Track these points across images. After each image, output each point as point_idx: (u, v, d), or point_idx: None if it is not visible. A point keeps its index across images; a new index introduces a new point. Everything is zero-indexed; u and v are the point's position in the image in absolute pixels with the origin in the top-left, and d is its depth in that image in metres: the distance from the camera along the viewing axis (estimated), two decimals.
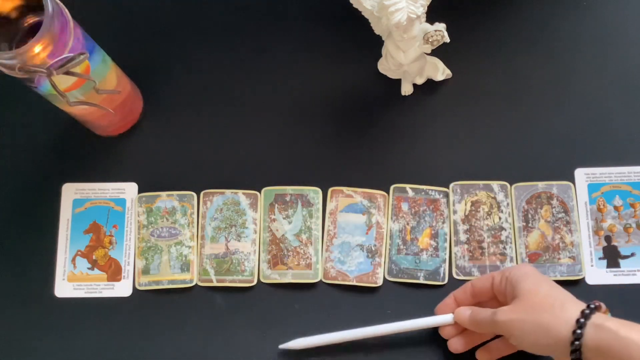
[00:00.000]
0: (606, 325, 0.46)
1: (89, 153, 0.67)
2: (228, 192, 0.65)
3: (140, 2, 0.71)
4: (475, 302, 0.57)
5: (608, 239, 0.63)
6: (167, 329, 0.62)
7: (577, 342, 0.47)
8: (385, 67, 0.65)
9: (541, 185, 0.64)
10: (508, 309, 0.51)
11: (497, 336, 0.57)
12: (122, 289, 0.63)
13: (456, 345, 0.57)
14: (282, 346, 0.60)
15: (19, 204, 0.65)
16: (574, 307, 0.49)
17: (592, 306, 0.49)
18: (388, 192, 0.64)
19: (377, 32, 0.61)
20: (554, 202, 0.63)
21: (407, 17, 0.54)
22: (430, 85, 0.67)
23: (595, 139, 0.65)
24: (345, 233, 0.64)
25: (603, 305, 0.50)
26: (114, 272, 0.64)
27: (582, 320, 0.47)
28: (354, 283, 0.62)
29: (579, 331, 0.47)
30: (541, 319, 0.49)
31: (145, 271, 0.63)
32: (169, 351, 0.62)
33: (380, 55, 0.64)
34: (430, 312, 0.61)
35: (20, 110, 0.67)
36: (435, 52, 0.61)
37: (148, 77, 0.68)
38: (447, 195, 0.64)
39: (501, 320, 0.51)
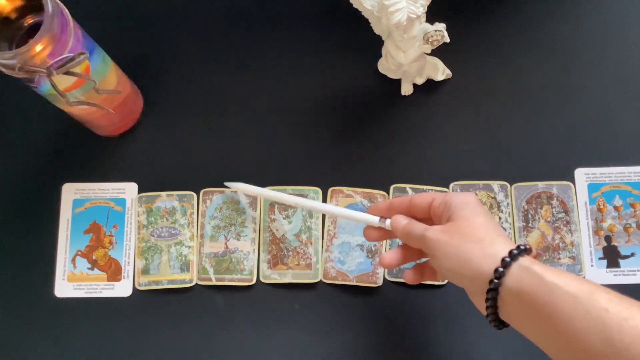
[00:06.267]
0: (532, 268, 0.43)
1: (89, 153, 0.67)
2: (228, 191, 0.65)
3: (140, 2, 0.71)
4: (410, 216, 0.54)
5: (608, 239, 0.63)
6: (167, 329, 0.62)
7: (496, 281, 0.43)
8: (385, 67, 0.65)
9: (541, 185, 0.64)
10: (439, 228, 0.48)
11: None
12: (122, 289, 0.63)
13: (387, 258, 0.54)
14: (226, 183, 0.63)
15: (19, 204, 0.65)
16: (504, 245, 0.45)
17: (522, 248, 0.45)
18: (388, 192, 0.64)
19: (377, 32, 0.61)
20: (554, 202, 0.63)
21: (407, 17, 0.54)
22: (430, 85, 0.67)
23: (595, 139, 0.65)
24: (345, 233, 0.64)
25: (534, 250, 0.47)
26: (114, 272, 0.64)
27: (507, 259, 0.44)
28: (354, 283, 0.63)
29: (501, 269, 0.43)
30: (466, 247, 0.46)
31: (145, 271, 0.63)
32: (169, 351, 0.62)
33: (380, 55, 0.64)
34: (431, 313, 0.61)
35: (20, 111, 0.67)
36: (435, 52, 0.61)
37: (148, 77, 0.68)
38: None
39: (429, 236, 0.48)
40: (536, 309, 0.42)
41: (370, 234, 0.56)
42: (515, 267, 0.43)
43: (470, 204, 0.49)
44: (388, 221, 0.54)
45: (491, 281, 0.44)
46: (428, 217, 0.53)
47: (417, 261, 0.55)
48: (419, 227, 0.51)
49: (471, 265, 0.45)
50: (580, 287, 0.41)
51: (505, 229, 0.63)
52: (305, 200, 0.60)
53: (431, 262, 0.50)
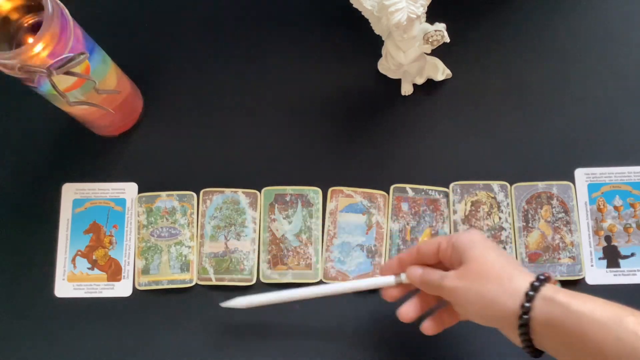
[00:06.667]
0: (557, 299, 0.43)
1: (89, 153, 0.67)
2: (228, 191, 0.65)
3: (140, 2, 0.71)
4: (422, 264, 0.54)
5: (608, 239, 0.63)
6: (167, 329, 0.62)
7: (525, 317, 0.44)
8: (385, 67, 0.65)
9: (541, 185, 0.64)
10: (454, 274, 0.49)
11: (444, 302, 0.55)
12: (122, 289, 0.63)
13: (406, 312, 0.54)
14: (223, 304, 0.58)
15: (19, 204, 0.65)
16: (523, 278, 0.46)
17: (542, 278, 0.45)
18: (388, 192, 0.64)
19: (377, 32, 0.61)
20: (554, 202, 0.63)
21: (407, 17, 0.54)
22: (430, 85, 0.67)
23: (595, 139, 0.65)
24: (345, 233, 0.64)
25: (552, 276, 0.47)
26: (114, 272, 0.64)
27: (530, 293, 0.44)
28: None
29: (527, 304, 0.44)
30: (487, 289, 0.46)
31: (145, 271, 0.63)
32: (169, 351, 0.62)
33: (380, 55, 0.64)
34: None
35: (20, 110, 0.67)
36: (435, 52, 0.61)
37: (148, 77, 0.68)
38: (447, 195, 0.64)
39: (447, 285, 0.49)
40: (568, 338, 0.43)
41: (390, 294, 0.55)
42: (539, 300, 0.44)
43: (477, 242, 0.49)
44: (403, 275, 0.54)
45: (521, 317, 0.44)
46: (439, 262, 0.53)
47: (435, 308, 0.55)
48: (435, 275, 0.51)
49: (497, 306, 0.46)
50: (607, 313, 0.42)
51: (505, 229, 0.63)
52: (312, 289, 0.57)
53: (454, 308, 0.50)
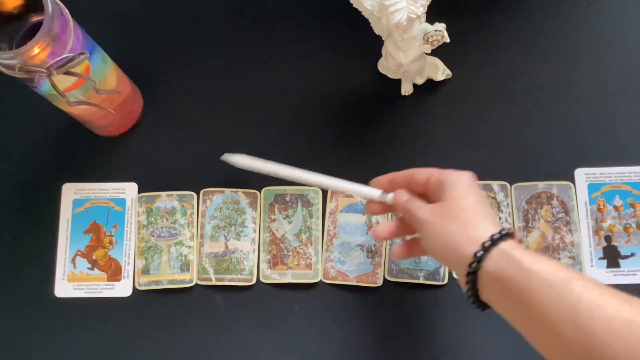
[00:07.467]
0: (512, 254, 0.43)
1: (89, 153, 0.67)
2: (228, 190, 0.65)
3: (140, 2, 0.71)
4: (410, 190, 0.54)
5: (608, 239, 0.63)
6: (167, 329, 0.62)
7: (474, 265, 0.44)
8: (385, 67, 0.65)
9: (541, 185, 0.64)
10: (429, 208, 0.49)
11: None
12: (122, 289, 0.63)
13: (380, 231, 0.54)
14: (223, 157, 0.59)
15: (19, 204, 0.65)
16: (488, 228, 0.45)
17: (504, 232, 0.45)
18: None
19: (377, 32, 0.61)
20: (554, 202, 0.63)
21: (407, 17, 0.54)
22: (430, 85, 0.67)
23: (595, 139, 0.65)
24: (345, 233, 0.64)
25: (517, 234, 0.46)
26: (114, 272, 0.64)
27: (487, 243, 0.44)
28: (354, 283, 0.62)
29: (479, 254, 0.43)
30: (451, 229, 0.46)
31: (145, 271, 0.63)
32: (169, 351, 0.62)
33: (380, 55, 0.64)
34: (431, 313, 0.61)
35: (20, 110, 0.67)
36: (435, 52, 0.61)
37: (148, 77, 0.68)
38: None
39: (418, 217, 0.49)
40: (513, 294, 0.42)
41: (372, 208, 0.56)
42: (495, 252, 0.43)
43: (463, 183, 0.49)
44: (389, 195, 0.54)
45: (470, 264, 0.44)
46: (425, 193, 0.52)
47: (409, 237, 0.55)
48: (415, 204, 0.51)
49: (454, 249, 0.46)
50: (557, 274, 0.41)
51: None
52: (307, 173, 0.58)
53: (420, 241, 0.50)
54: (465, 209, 0.47)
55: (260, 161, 0.59)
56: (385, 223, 0.54)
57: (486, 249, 0.44)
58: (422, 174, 0.52)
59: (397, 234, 0.54)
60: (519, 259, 0.42)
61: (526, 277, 0.42)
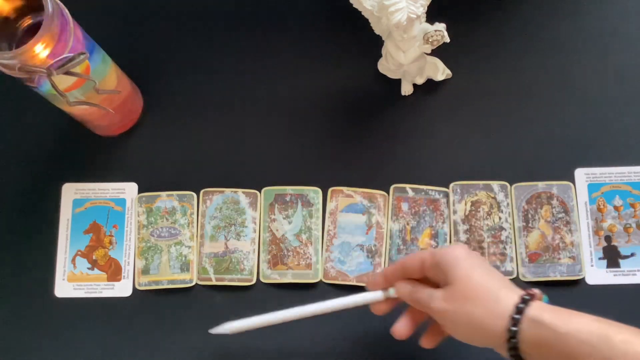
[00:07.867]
0: (543, 320, 0.44)
1: (89, 153, 0.67)
2: (228, 190, 0.65)
3: (140, 2, 0.71)
4: (408, 278, 0.53)
5: (608, 239, 0.63)
6: (167, 329, 0.62)
7: (513, 340, 0.44)
8: (385, 67, 0.65)
9: (541, 185, 0.64)
10: (442, 296, 0.48)
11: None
12: (122, 289, 0.63)
13: (399, 330, 0.53)
14: (211, 330, 0.56)
15: (19, 204, 0.65)
16: (508, 298, 0.46)
17: (526, 297, 0.45)
18: (388, 192, 0.64)
19: (377, 32, 0.61)
20: (554, 202, 0.63)
21: (407, 17, 0.54)
22: (430, 85, 0.67)
23: (595, 139, 0.65)
24: (345, 233, 0.64)
25: (537, 292, 0.47)
26: (114, 272, 0.64)
27: (516, 316, 0.44)
28: (354, 283, 0.62)
29: (513, 329, 0.44)
30: (474, 312, 0.46)
31: (145, 271, 0.63)
32: (169, 351, 0.62)
33: (380, 55, 0.64)
34: None
35: (20, 110, 0.67)
36: (435, 52, 0.61)
37: (148, 77, 0.68)
38: (447, 195, 0.64)
39: (435, 308, 0.48)
40: (559, 359, 0.43)
41: (379, 309, 0.55)
42: (525, 322, 0.44)
43: (461, 259, 0.48)
44: (391, 291, 0.53)
45: (509, 340, 0.44)
46: (425, 279, 0.52)
47: (429, 320, 0.54)
48: (423, 294, 0.50)
49: (485, 330, 0.46)
50: (594, 332, 0.42)
51: (505, 229, 0.63)
52: (303, 308, 0.55)
53: (445, 330, 0.50)
54: (478, 286, 0.47)
55: (251, 318, 0.56)
56: (400, 321, 0.53)
57: (516, 322, 0.44)
58: (413, 261, 0.52)
59: (417, 323, 0.53)
60: (552, 324, 0.43)
61: (564, 341, 0.42)
